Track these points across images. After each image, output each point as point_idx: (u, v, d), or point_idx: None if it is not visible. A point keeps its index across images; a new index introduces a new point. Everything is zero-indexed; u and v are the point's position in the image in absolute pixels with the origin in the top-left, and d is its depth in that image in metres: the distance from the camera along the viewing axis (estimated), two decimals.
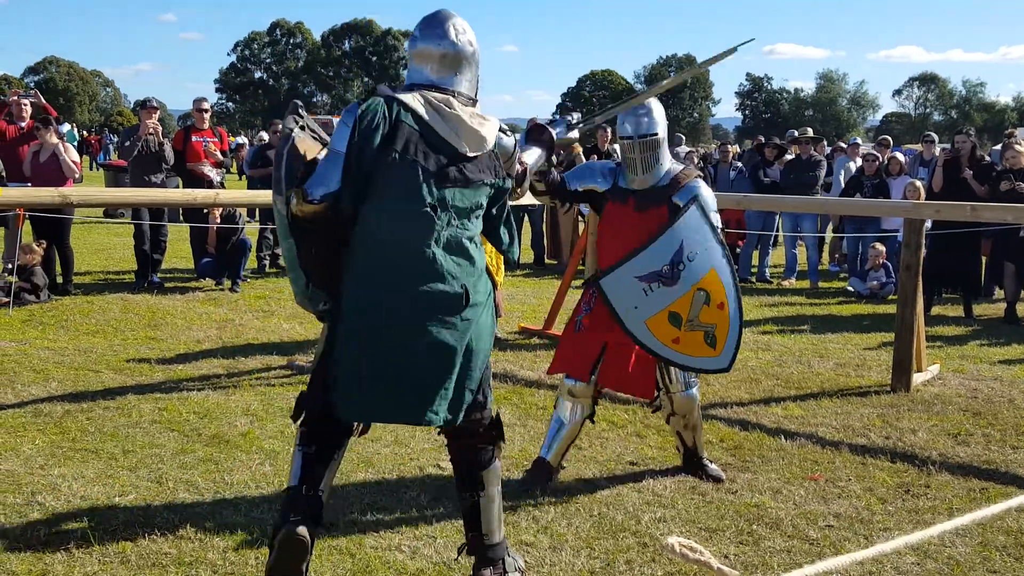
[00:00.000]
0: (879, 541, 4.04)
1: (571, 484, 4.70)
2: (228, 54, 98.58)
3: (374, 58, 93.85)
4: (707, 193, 4.73)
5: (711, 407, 6.19)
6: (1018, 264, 9.74)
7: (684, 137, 12.77)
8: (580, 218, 11.73)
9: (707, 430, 5.64)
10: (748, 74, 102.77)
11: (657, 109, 4.79)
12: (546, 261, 13.38)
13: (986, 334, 8.83)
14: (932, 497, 4.63)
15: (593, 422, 4.90)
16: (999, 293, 10.51)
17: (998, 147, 12.34)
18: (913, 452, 5.29)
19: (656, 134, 4.71)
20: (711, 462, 4.95)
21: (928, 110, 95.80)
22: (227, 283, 10.47)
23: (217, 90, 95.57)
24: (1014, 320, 9.42)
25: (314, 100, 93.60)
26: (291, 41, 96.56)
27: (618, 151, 4.97)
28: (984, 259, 10.67)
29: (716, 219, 4.68)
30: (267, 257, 11.97)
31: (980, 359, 7.77)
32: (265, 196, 8.77)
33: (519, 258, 4.16)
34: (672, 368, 4.72)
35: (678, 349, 4.58)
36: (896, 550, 3.92)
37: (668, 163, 4.82)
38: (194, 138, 10.89)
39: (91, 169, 32.00)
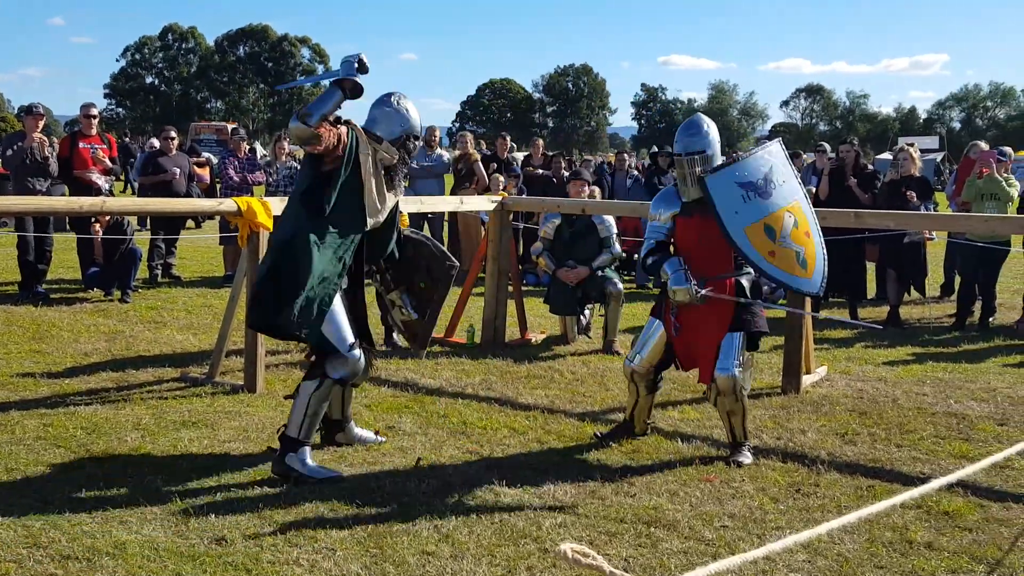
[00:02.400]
0: (772, 540, 4.13)
1: (472, 492, 4.69)
2: (118, 59, 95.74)
3: (270, 64, 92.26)
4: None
5: (610, 411, 6.27)
6: (900, 269, 10.16)
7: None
8: (482, 225, 11.76)
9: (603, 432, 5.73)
10: (643, 84, 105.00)
11: (708, 130, 5.32)
12: None
13: (871, 337, 9.16)
14: (822, 496, 4.78)
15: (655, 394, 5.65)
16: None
17: (882, 156, 12.84)
18: (803, 452, 5.46)
19: (703, 151, 5.23)
20: (747, 447, 5.31)
21: (814, 120, 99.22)
22: (117, 294, 10.14)
23: (106, 95, 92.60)
24: (897, 323, 9.81)
25: (208, 106, 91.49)
26: (184, 46, 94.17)
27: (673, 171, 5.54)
28: (870, 264, 11.09)
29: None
30: (159, 266, 11.64)
31: (865, 361, 8.07)
32: (155, 204, 8.55)
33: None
34: (721, 348, 5.15)
35: (773, 262, 4.99)
36: (788, 548, 4.02)
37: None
38: (81, 144, 10.54)
39: None
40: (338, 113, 4.88)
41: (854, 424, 6.09)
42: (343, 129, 4.86)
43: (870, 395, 6.85)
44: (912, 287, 10.66)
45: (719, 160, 5.32)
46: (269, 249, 5.06)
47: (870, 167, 11.09)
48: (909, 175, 10.17)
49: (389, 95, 5.21)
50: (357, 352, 4.99)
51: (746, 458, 5.23)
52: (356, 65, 4.88)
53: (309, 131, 4.68)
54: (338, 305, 4.94)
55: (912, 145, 11.42)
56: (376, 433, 5.50)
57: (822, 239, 5.16)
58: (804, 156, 16.52)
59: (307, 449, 4.88)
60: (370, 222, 5.02)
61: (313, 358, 5.15)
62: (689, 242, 5.36)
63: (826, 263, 5.15)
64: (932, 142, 39.54)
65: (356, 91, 4.90)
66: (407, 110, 5.14)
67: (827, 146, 12.87)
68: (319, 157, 4.86)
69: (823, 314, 10.04)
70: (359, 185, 4.92)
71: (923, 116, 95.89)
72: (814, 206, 10.03)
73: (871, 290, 11.19)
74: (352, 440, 5.37)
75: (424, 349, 5.76)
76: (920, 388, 7.08)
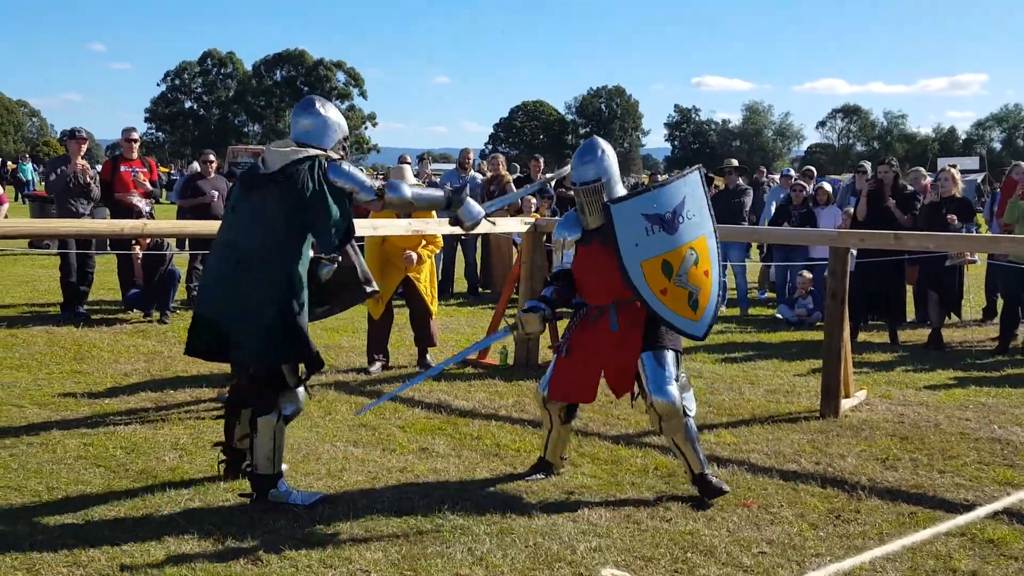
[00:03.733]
0: (811, 567, 4.08)
1: (506, 514, 4.67)
2: (158, 84, 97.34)
3: (306, 88, 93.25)
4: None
5: (645, 435, 6.22)
6: (941, 292, 10.01)
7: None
8: (514, 247, 11.78)
9: (640, 456, 5.69)
10: (676, 105, 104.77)
11: (602, 156, 5.07)
12: (480, 290, 13.38)
13: (912, 360, 9.04)
14: (862, 522, 4.70)
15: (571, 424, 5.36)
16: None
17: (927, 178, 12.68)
18: (843, 477, 5.38)
19: (598, 180, 5.01)
20: (712, 476, 4.98)
21: (851, 141, 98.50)
22: (156, 315, 10.26)
23: (146, 120, 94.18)
24: (939, 346, 9.66)
25: (245, 130, 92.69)
26: (222, 71, 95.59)
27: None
28: (910, 287, 10.96)
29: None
30: (197, 288, 11.75)
31: (906, 384, 7.95)
32: (194, 226, 8.65)
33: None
34: (643, 374, 4.90)
35: (664, 301, 4.84)
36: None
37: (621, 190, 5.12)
38: (123, 168, 10.70)
39: (15, 200, 31.13)
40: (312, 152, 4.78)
41: (895, 449, 5.99)
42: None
43: (911, 420, 6.74)
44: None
45: (617, 186, 5.08)
46: (259, 285, 4.70)
47: (909, 187, 10.95)
48: (950, 196, 10.04)
49: (311, 101, 5.01)
50: (301, 390, 4.89)
51: (722, 484, 4.94)
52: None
53: (400, 200, 4.90)
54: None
55: (954, 166, 11.28)
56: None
57: (721, 275, 4.95)
58: (840, 177, 16.34)
59: (284, 481, 4.79)
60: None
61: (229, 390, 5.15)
62: (585, 269, 5.16)
63: (719, 304, 4.99)
64: (972, 163, 39.01)
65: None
66: (334, 112, 4.98)
67: (868, 166, 12.74)
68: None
69: (862, 336, 9.93)
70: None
71: (962, 136, 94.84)
72: (852, 226, 10.09)
73: (910, 312, 11.05)
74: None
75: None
76: (963, 413, 6.96)
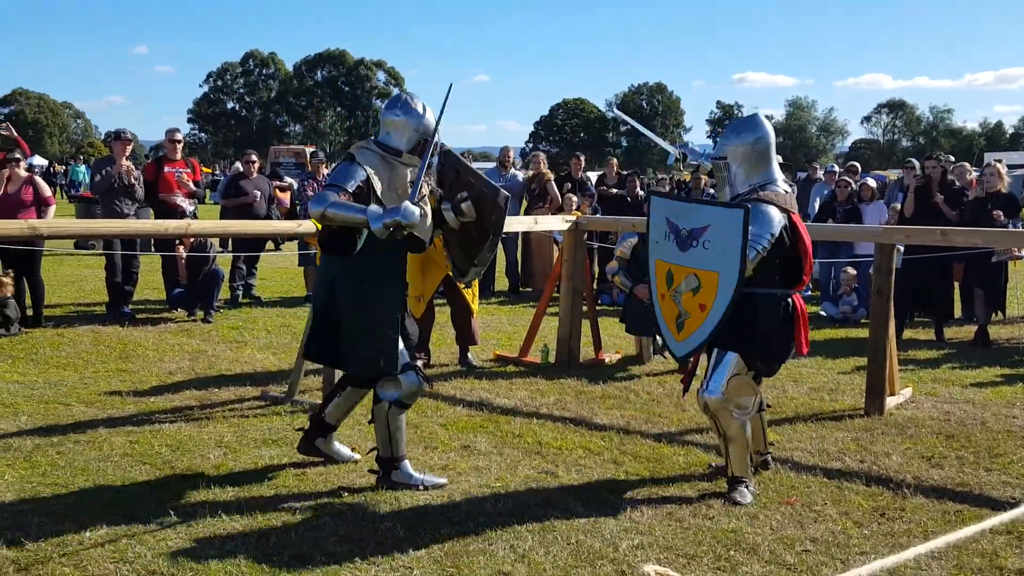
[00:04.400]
0: (855, 565, 4.04)
1: (548, 512, 4.67)
2: (200, 85, 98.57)
3: (346, 88, 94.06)
4: (765, 214, 4.77)
5: (687, 432, 6.20)
6: (988, 289, 9.85)
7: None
8: (555, 245, 11.78)
9: (682, 454, 5.66)
10: (718, 102, 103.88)
11: (738, 134, 4.96)
12: (521, 288, 13.39)
13: (958, 357, 8.91)
14: (907, 520, 4.65)
15: (760, 415, 5.26)
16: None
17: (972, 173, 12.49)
18: (888, 475, 5.31)
19: (723, 157, 5.00)
20: (743, 486, 4.90)
21: (896, 136, 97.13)
22: (200, 314, 10.39)
23: (189, 121, 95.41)
24: (985, 343, 9.51)
25: (287, 130, 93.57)
26: (264, 72, 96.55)
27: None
28: (957, 284, 10.79)
29: (758, 242, 4.70)
30: (240, 287, 11.90)
31: (952, 382, 7.83)
32: (236, 226, 8.77)
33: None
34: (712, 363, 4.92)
35: (661, 306, 4.89)
36: (873, 574, 3.92)
37: (747, 186, 4.94)
38: (166, 169, 10.85)
39: (62, 198, 31.71)
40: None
41: (941, 447, 5.91)
42: (367, 173, 4.81)
43: (957, 417, 6.64)
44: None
45: (753, 169, 4.93)
46: (321, 298, 5.03)
47: (957, 183, 10.78)
48: (996, 191, 9.88)
49: (396, 99, 5.08)
50: (412, 374, 5.02)
51: (743, 497, 4.84)
52: (385, 222, 4.69)
53: (314, 216, 4.77)
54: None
55: (1000, 161, 11.08)
56: (352, 450, 5.50)
57: (720, 323, 4.67)
58: (886, 173, 16.11)
59: (407, 462, 5.04)
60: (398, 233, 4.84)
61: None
62: None
63: (705, 341, 4.76)
64: (1020, 157, 38.32)
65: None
66: (418, 111, 4.96)
67: (916, 162, 12.56)
68: None
69: (907, 334, 9.80)
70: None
71: (1009, 131, 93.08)
72: (900, 223, 9.95)
73: (957, 310, 10.89)
74: (329, 453, 5.36)
75: (468, 277, 5.47)
76: (1010, 410, 6.84)
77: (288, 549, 4.17)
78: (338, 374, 5.63)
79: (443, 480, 5.08)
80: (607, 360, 8.57)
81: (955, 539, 4.23)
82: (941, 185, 10.34)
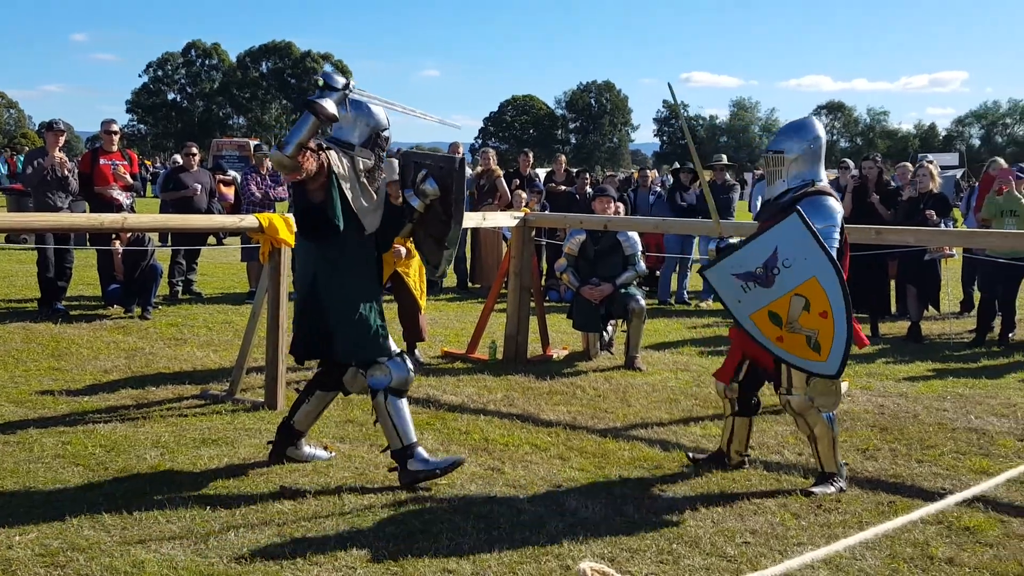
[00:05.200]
0: (793, 556, 4.10)
1: (494, 509, 4.67)
2: (140, 75, 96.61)
3: (292, 80, 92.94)
4: (828, 206, 4.92)
5: (632, 428, 6.25)
6: (920, 286, 10.09)
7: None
8: (504, 241, 11.78)
9: (627, 449, 5.70)
10: (665, 101, 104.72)
11: (797, 132, 5.13)
12: (469, 285, 13.37)
13: (892, 352, 9.11)
14: (843, 511, 4.74)
15: (756, 412, 5.40)
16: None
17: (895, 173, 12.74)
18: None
19: (781, 151, 5.08)
20: (834, 481, 5.01)
21: (835, 137, 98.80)
22: (137, 310, 10.20)
23: (128, 111, 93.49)
24: (918, 339, 9.74)
25: (230, 122, 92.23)
26: (207, 62, 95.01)
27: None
28: (892, 281, 11.03)
29: (833, 235, 4.83)
30: (179, 283, 11.71)
31: (886, 376, 8.01)
32: (175, 220, 8.61)
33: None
34: (790, 369, 4.92)
35: (783, 347, 4.80)
36: (809, 564, 3.99)
37: (798, 181, 5.07)
38: (102, 161, 10.63)
39: None
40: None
41: (875, 440, 6.03)
42: (328, 155, 4.83)
43: (891, 411, 6.79)
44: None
45: (806, 166, 5.07)
46: (303, 291, 5.05)
47: (893, 184, 11.02)
48: (928, 192, 10.11)
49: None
50: (399, 360, 5.07)
51: (824, 488, 4.95)
52: (320, 85, 4.82)
53: (288, 161, 4.67)
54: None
55: (931, 162, 11.35)
56: (326, 448, 5.49)
57: (847, 313, 4.61)
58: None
59: (419, 448, 5.03)
60: (368, 226, 5.01)
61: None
62: None
63: (848, 340, 4.66)
64: (952, 159, 39.28)
65: (327, 115, 4.71)
66: (368, 108, 5.01)
67: (851, 163, 12.82)
68: (304, 187, 4.87)
69: None
70: (346, 201, 4.90)
71: (943, 133, 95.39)
72: None
73: (892, 306, 11.12)
74: (302, 459, 5.31)
75: (442, 267, 5.44)
76: (941, 404, 7.02)
77: (227, 551, 4.10)
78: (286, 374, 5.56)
79: (459, 457, 5.12)
80: (554, 356, 8.61)
81: (888, 529, 4.31)
82: (877, 185, 10.55)
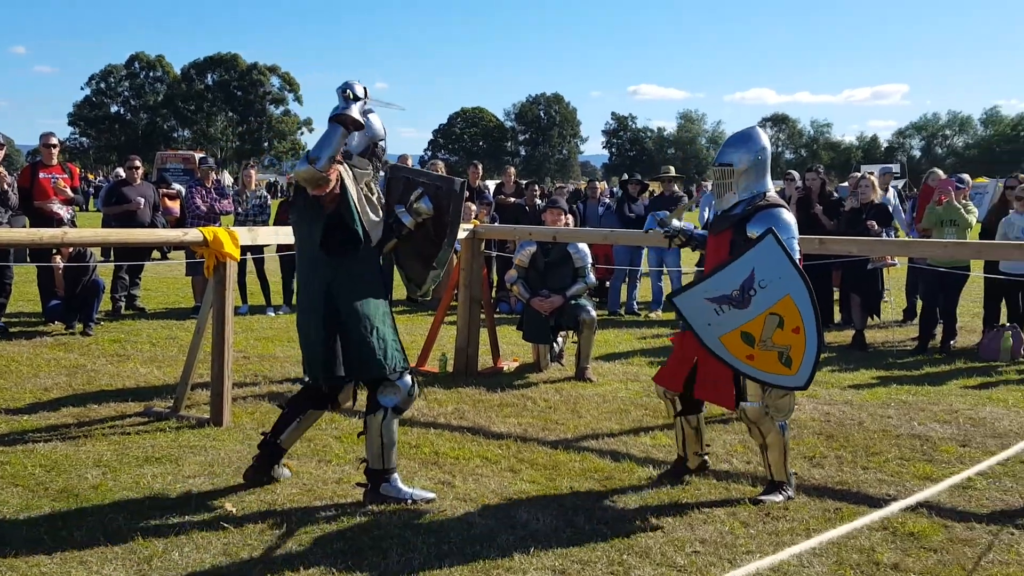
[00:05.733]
0: (742, 564, 4.13)
1: (444, 522, 4.64)
2: (82, 87, 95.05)
3: (239, 92, 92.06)
4: (785, 220, 4.99)
5: (583, 439, 6.25)
6: (864, 295, 10.26)
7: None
8: (454, 253, 11.74)
9: (578, 461, 5.71)
10: (613, 113, 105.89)
11: (744, 143, 5.15)
12: (419, 297, 13.29)
13: (837, 360, 9.24)
14: (791, 519, 4.78)
15: (701, 410, 5.37)
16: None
17: (845, 184, 13.00)
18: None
19: (730, 164, 5.10)
20: (783, 490, 5.06)
21: (780, 149, 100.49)
22: (79, 327, 9.99)
23: (70, 124, 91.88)
24: (862, 347, 9.90)
25: (175, 135, 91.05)
26: (151, 74, 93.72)
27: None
28: (836, 290, 11.21)
29: (795, 248, 4.90)
30: (122, 299, 11.50)
31: (831, 384, 8.12)
32: (117, 235, 8.45)
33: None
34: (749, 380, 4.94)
35: (754, 365, 4.81)
36: (757, 573, 4.01)
37: (748, 193, 5.11)
38: (42, 175, 10.42)
39: None
40: None
41: (821, 447, 6.11)
42: (338, 167, 4.80)
43: (836, 418, 6.88)
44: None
45: (755, 179, 5.11)
46: (315, 309, 4.88)
47: (835, 194, 11.22)
48: (870, 202, 10.30)
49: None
50: (408, 378, 5.00)
51: (773, 497, 5.00)
52: (344, 94, 4.79)
53: (319, 175, 4.63)
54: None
55: (872, 173, 11.59)
56: (285, 467, 5.38)
57: (817, 326, 4.69)
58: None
59: (396, 475, 4.97)
60: (374, 237, 4.99)
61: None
62: (708, 259, 5.36)
63: (817, 352, 4.74)
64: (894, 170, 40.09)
65: (356, 125, 4.76)
66: (367, 117, 4.97)
67: (796, 174, 13.03)
68: (319, 201, 4.77)
69: None
70: (358, 212, 4.87)
71: (884, 144, 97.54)
72: None
73: (836, 315, 11.30)
74: (277, 477, 5.22)
75: (426, 286, 5.41)
76: (885, 411, 7.13)
77: (171, 571, 4.03)
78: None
79: (431, 495, 4.99)
80: (505, 368, 8.60)
81: (835, 536, 4.34)
82: (820, 196, 10.73)
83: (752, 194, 5.11)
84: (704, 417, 5.48)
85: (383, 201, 5.10)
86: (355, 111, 4.74)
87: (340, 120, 4.69)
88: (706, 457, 5.49)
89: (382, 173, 5.18)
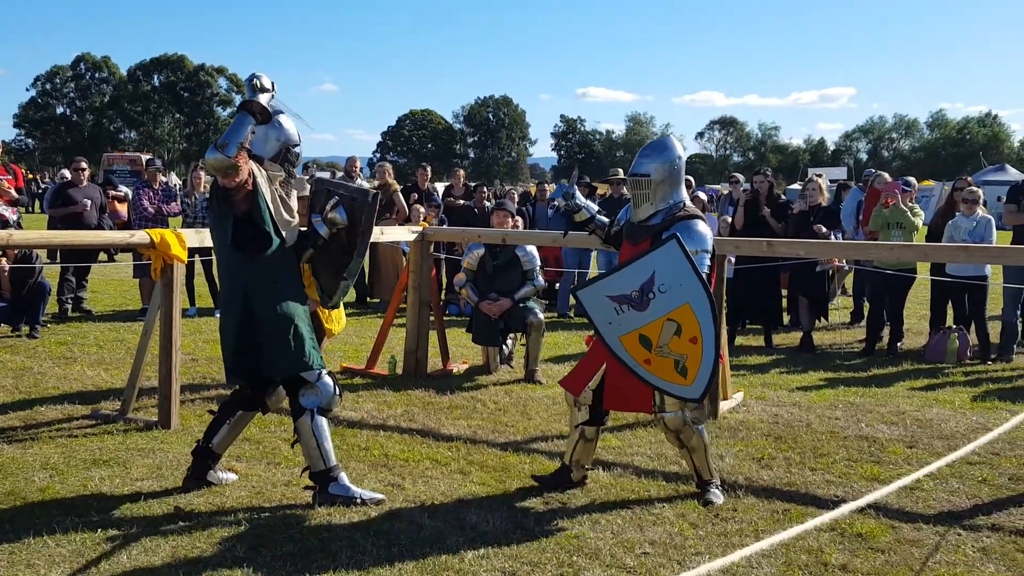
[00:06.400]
0: (691, 566, 4.19)
1: (394, 525, 4.64)
2: (28, 88, 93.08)
3: (186, 94, 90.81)
4: (700, 232, 4.97)
5: (533, 441, 6.28)
6: (811, 297, 10.43)
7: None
8: (402, 255, 11.72)
9: (528, 463, 5.73)
10: (562, 116, 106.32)
11: (660, 153, 5.13)
12: (368, 299, 13.27)
13: (785, 363, 9.38)
14: (739, 520, 4.85)
15: (603, 423, 5.30)
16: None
17: (793, 186, 13.20)
18: (721, 477, 5.51)
19: (647, 175, 5.08)
20: (714, 486, 5.14)
21: (728, 151, 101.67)
22: (25, 329, 9.82)
23: (15, 126, 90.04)
24: (810, 349, 10.06)
25: (121, 136, 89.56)
26: (96, 75, 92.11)
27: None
28: (784, 292, 11.37)
29: (705, 261, 4.90)
30: (69, 301, 11.30)
31: (780, 386, 8.24)
32: (63, 236, 8.31)
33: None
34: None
35: (650, 370, 4.79)
36: (707, 574, 4.06)
37: (665, 203, 5.11)
38: None
39: None
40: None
41: (770, 449, 6.20)
42: (252, 166, 4.82)
43: (785, 420, 6.99)
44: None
45: (672, 188, 5.12)
46: (233, 308, 4.91)
47: (783, 197, 11.38)
48: (817, 205, 10.47)
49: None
50: (328, 379, 4.98)
51: (717, 497, 5.07)
52: (251, 84, 4.86)
53: (229, 161, 4.62)
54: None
55: (821, 176, 11.76)
56: (230, 470, 5.36)
57: (715, 339, 4.71)
58: (719, 187, 16.80)
59: (342, 474, 4.95)
60: (288, 239, 5.00)
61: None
62: (621, 258, 5.34)
63: (713, 366, 4.77)
64: (840, 173, 40.64)
65: (264, 114, 4.84)
66: (279, 122, 5.00)
67: (741, 177, 13.19)
68: (230, 199, 4.79)
69: (739, 340, 10.25)
70: (270, 212, 4.90)
71: (831, 147, 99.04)
72: (731, 235, 10.42)
73: (784, 317, 11.46)
74: (215, 481, 5.17)
75: (336, 297, 5.38)
76: (832, 412, 7.25)
77: (119, 574, 3.98)
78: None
79: (380, 496, 4.98)
80: (455, 371, 8.60)
81: (784, 538, 4.40)
82: (768, 199, 10.88)
83: (669, 204, 5.13)
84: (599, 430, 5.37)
85: (295, 205, 5.13)
86: (263, 100, 4.83)
87: (247, 108, 4.78)
88: (588, 471, 5.38)
89: (306, 178, 5.23)
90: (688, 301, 4.71)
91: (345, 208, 5.13)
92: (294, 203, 5.12)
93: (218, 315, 11.58)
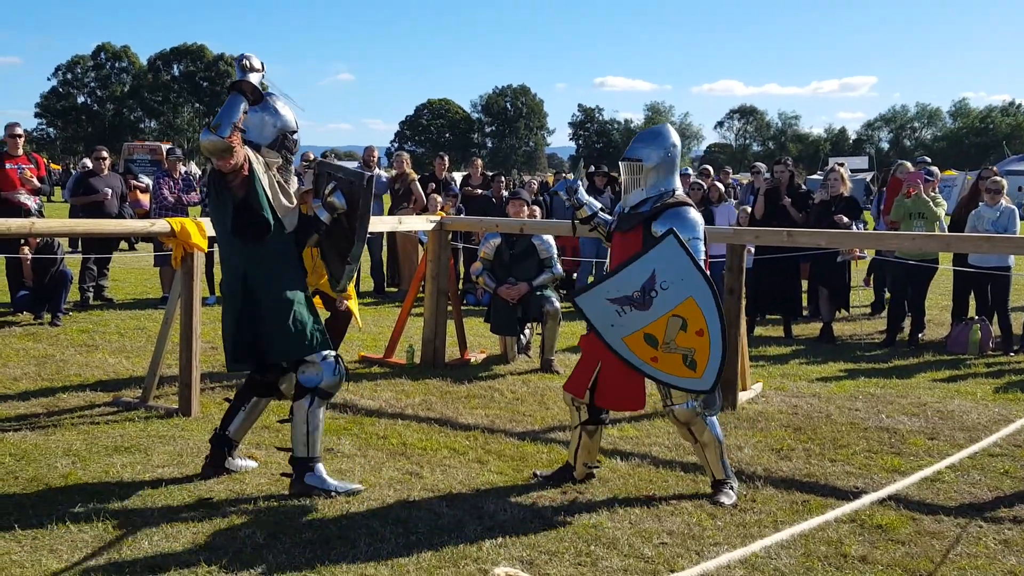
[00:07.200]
0: (710, 556, 4.18)
1: (412, 513, 4.66)
2: (49, 78, 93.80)
3: (205, 83, 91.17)
4: (691, 219, 4.95)
5: (551, 430, 6.29)
6: (832, 288, 10.37)
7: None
8: (420, 245, 11.74)
9: (545, 452, 5.74)
10: (580, 105, 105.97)
11: (655, 139, 5.08)
12: (386, 289, 13.30)
13: (805, 353, 9.34)
14: (758, 511, 4.84)
15: (604, 421, 5.21)
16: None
17: (814, 176, 13.11)
18: (740, 468, 5.51)
19: (640, 160, 5.03)
20: (727, 487, 5.00)
21: (748, 141, 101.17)
22: (47, 317, 9.90)
23: (37, 115, 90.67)
24: (830, 339, 10.00)
25: (141, 126, 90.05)
26: (116, 65, 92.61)
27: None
28: (804, 283, 11.30)
29: (699, 249, 4.87)
30: (90, 289, 11.38)
31: (800, 377, 8.20)
32: (85, 225, 8.38)
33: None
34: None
35: (657, 367, 4.78)
36: (726, 565, 4.06)
37: (656, 190, 5.05)
38: (8, 165, 10.29)
39: None
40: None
41: (789, 440, 6.18)
42: (246, 150, 4.81)
43: (804, 411, 6.96)
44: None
45: (665, 176, 5.06)
46: (234, 294, 4.93)
47: (804, 187, 11.30)
48: (839, 195, 10.40)
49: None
50: (331, 358, 4.99)
51: (727, 498, 4.94)
52: (241, 64, 4.87)
53: (223, 143, 4.63)
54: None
55: (842, 165, 11.66)
56: (251, 458, 5.40)
57: (722, 329, 4.69)
58: (738, 176, 16.68)
59: (320, 465, 4.94)
60: (288, 224, 4.98)
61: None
62: (612, 245, 5.34)
63: (722, 356, 4.71)
64: (862, 162, 40.36)
65: (255, 94, 4.84)
66: (276, 108, 4.99)
67: (763, 167, 13.10)
68: (228, 186, 4.78)
69: (758, 331, 10.22)
70: (268, 198, 4.89)
71: (852, 137, 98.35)
72: (751, 224, 10.37)
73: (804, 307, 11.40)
74: (235, 469, 5.20)
75: (343, 282, 5.34)
76: (853, 404, 7.21)
77: (141, 560, 4.02)
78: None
79: (358, 486, 4.97)
80: (472, 360, 8.61)
81: (803, 529, 4.38)
82: (788, 188, 10.81)
83: (660, 191, 5.08)
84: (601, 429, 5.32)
85: (294, 190, 5.13)
86: (253, 80, 4.84)
87: (239, 88, 4.78)
88: (594, 469, 5.30)
89: (305, 164, 5.21)
90: (692, 295, 4.70)
91: (343, 192, 5.11)
92: (293, 188, 5.12)
93: None
